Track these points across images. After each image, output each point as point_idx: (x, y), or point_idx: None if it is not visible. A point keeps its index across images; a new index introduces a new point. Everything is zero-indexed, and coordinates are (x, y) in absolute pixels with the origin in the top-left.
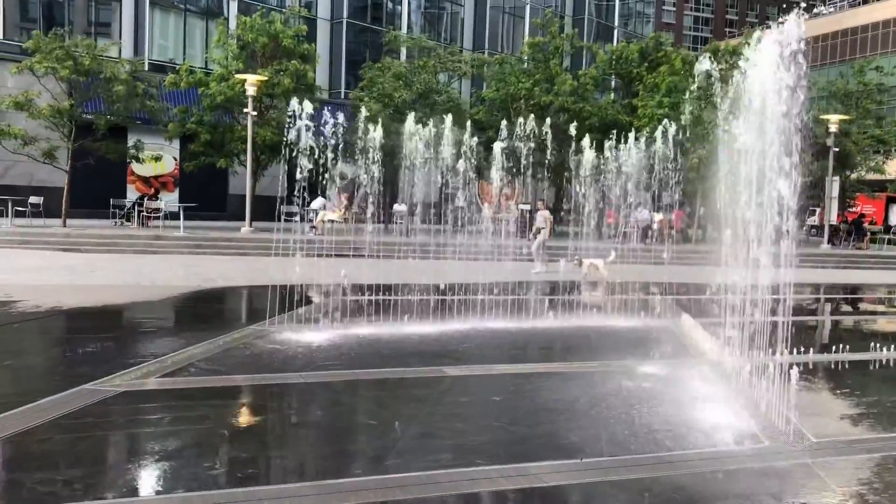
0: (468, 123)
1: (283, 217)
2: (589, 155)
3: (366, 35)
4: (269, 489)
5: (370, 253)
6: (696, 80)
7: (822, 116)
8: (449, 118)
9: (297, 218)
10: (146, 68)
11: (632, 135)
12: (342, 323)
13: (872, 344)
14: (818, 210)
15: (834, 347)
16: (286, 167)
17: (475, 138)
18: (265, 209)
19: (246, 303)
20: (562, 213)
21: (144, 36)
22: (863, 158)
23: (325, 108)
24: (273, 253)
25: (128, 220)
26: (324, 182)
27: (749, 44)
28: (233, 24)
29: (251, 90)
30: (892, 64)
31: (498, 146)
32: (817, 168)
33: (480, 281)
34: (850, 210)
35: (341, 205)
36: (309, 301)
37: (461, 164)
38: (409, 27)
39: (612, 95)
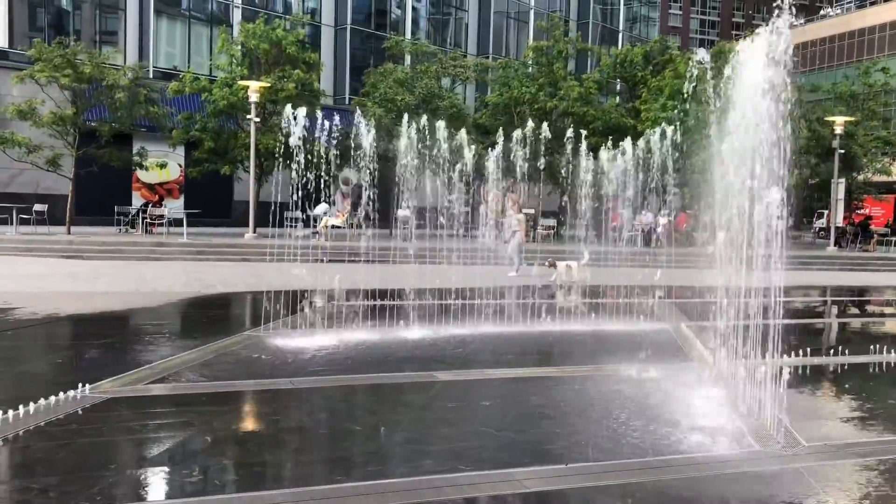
0: (471, 128)
1: (286, 223)
2: (591, 158)
3: (370, 41)
4: (243, 496)
5: (371, 258)
6: (690, 78)
7: (827, 118)
8: (442, 123)
9: (300, 223)
10: (151, 76)
11: (638, 137)
12: (337, 328)
13: (872, 346)
14: (826, 213)
15: (833, 350)
16: (290, 173)
17: (470, 147)
18: (270, 215)
19: (243, 309)
20: (561, 218)
21: (149, 44)
22: (869, 160)
23: (333, 114)
24: (269, 258)
25: (132, 227)
26: (327, 187)
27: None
28: (237, 31)
29: (254, 96)
30: None
31: (492, 154)
32: (823, 170)
33: (478, 285)
34: (858, 212)
35: (345, 210)
36: (305, 306)
37: (460, 170)
38: (413, 33)
39: (618, 99)
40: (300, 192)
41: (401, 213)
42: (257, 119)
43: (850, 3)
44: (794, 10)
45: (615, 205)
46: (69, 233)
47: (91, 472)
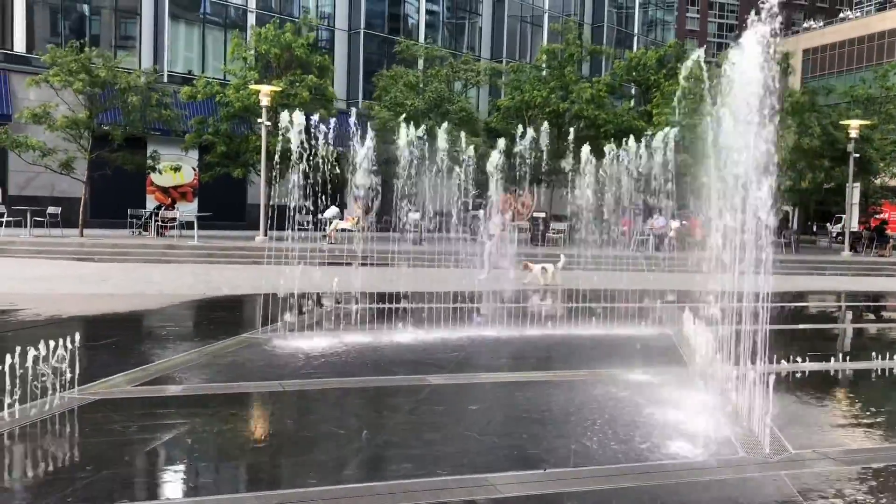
0: (481, 132)
1: (296, 226)
2: (599, 160)
3: (383, 45)
4: (209, 499)
5: (379, 261)
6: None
7: (842, 122)
8: (445, 126)
9: (311, 227)
10: (165, 80)
11: (638, 140)
12: (335, 331)
13: (874, 353)
14: (844, 217)
15: (833, 356)
16: (299, 177)
17: (472, 150)
18: (281, 218)
19: (244, 311)
20: (572, 221)
21: (164, 48)
22: (886, 164)
23: (348, 117)
24: (268, 261)
25: (145, 230)
26: (336, 191)
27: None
28: (250, 35)
29: (265, 100)
30: None
31: (495, 155)
32: (838, 174)
33: (477, 288)
34: (876, 216)
35: (355, 213)
36: (307, 309)
37: (460, 173)
38: (426, 37)
39: (632, 102)
40: (309, 196)
41: (411, 216)
42: (268, 123)
43: (870, 6)
44: (808, 13)
45: (627, 210)
46: (82, 235)
47: (69, 473)
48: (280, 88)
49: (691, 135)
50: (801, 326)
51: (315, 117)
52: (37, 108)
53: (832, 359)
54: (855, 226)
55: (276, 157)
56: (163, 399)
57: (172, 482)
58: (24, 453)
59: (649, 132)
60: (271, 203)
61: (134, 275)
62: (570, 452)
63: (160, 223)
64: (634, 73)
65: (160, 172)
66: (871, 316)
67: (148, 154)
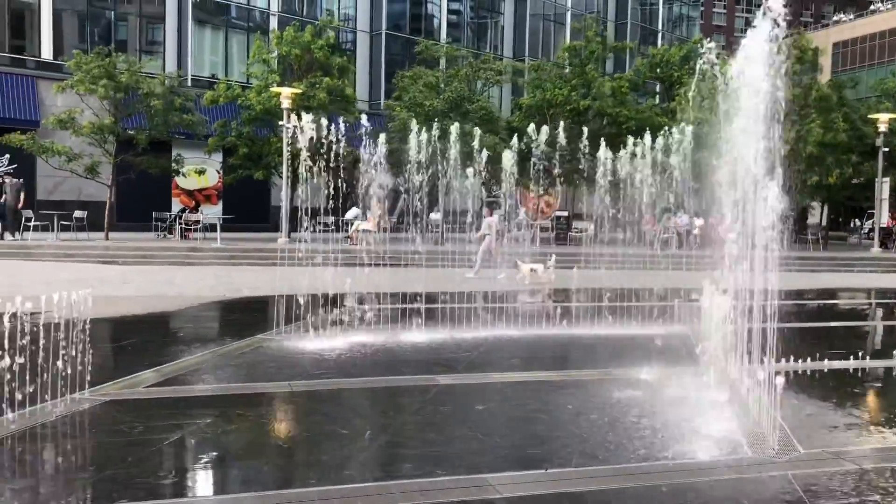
0: (502, 131)
1: (318, 228)
2: (618, 157)
3: (406, 46)
4: (210, 499)
5: (400, 262)
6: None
7: (871, 116)
8: (455, 127)
9: (333, 228)
10: (189, 84)
11: (654, 137)
12: (347, 332)
13: (894, 352)
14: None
15: (851, 354)
16: (321, 179)
17: (485, 151)
18: (302, 220)
19: (261, 312)
20: (594, 220)
21: (188, 52)
22: None
23: (367, 119)
24: (289, 263)
25: (169, 233)
26: (357, 193)
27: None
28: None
29: (286, 103)
30: None
31: (508, 155)
32: (867, 169)
33: (492, 288)
34: None
35: (376, 214)
36: (322, 310)
37: (478, 172)
38: (448, 37)
39: (657, 99)
40: (330, 198)
41: (433, 216)
42: (290, 125)
43: None
44: (838, 6)
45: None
46: (107, 238)
47: (72, 474)
48: (300, 91)
49: (706, 132)
50: (823, 324)
51: (324, 120)
52: (62, 113)
53: (853, 357)
54: (885, 221)
55: (289, 158)
56: (172, 400)
57: (173, 483)
58: (28, 455)
59: (671, 129)
60: (293, 205)
61: (156, 277)
62: (573, 452)
63: (184, 226)
64: (658, 70)
65: (184, 176)
66: None
67: (172, 158)
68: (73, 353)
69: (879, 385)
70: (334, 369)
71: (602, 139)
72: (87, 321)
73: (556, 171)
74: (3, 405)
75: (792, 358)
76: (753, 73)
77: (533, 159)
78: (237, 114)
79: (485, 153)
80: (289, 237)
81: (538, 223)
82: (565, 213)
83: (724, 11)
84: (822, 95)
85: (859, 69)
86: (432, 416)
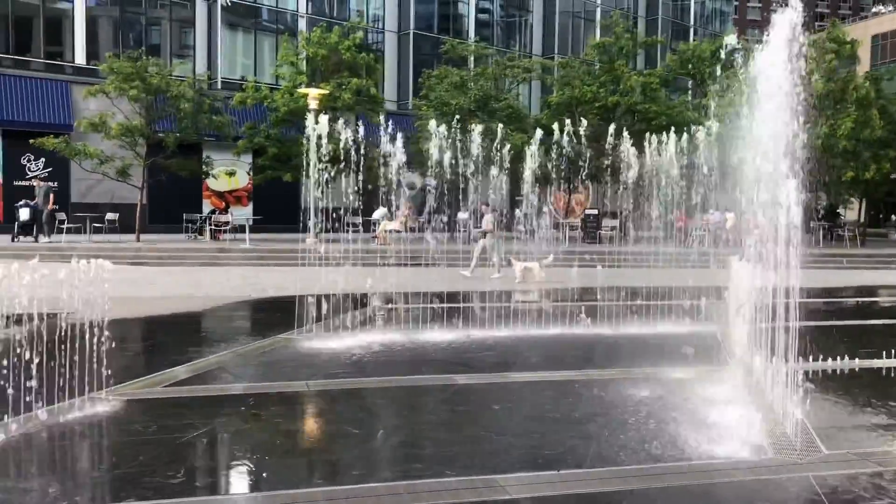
0: (529, 129)
1: (346, 228)
2: (647, 153)
3: (434, 46)
4: (212, 500)
5: (427, 262)
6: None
7: None
8: (478, 127)
9: (360, 228)
10: (219, 87)
11: (680, 133)
12: (369, 331)
13: None
14: None
15: (884, 353)
16: (349, 179)
17: (506, 148)
18: (333, 220)
19: (284, 312)
20: (625, 218)
21: (217, 55)
22: None
23: (392, 120)
24: (316, 263)
25: (200, 234)
26: (385, 193)
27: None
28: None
29: (313, 104)
30: None
31: (528, 151)
32: None
33: (532, 287)
34: None
35: (404, 214)
36: (343, 309)
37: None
38: (476, 36)
39: (689, 95)
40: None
41: (461, 215)
42: (313, 126)
43: None
44: None
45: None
46: (138, 240)
47: (82, 473)
48: (327, 91)
49: (732, 127)
50: (855, 322)
51: (340, 122)
52: (94, 117)
53: (886, 355)
54: None
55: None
56: (189, 400)
57: (180, 483)
58: (42, 455)
59: (700, 125)
60: (321, 206)
61: (183, 278)
62: (588, 453)
63: (213, 227)
64: (689, 66)
65: (214, 177)
66: None
67: (202, 160)
68: (95, 352)
69: None
70: (352, 369)
71: (628, 135)
72: (104, 321)
73: (583, 168)
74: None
75: (821, 357)
76: (775, 69)
77: (555, 156)
78: (265, 115)
79: (507, 149)
80: (317, 237)
81: (568, 222)
82: (595, 212)
83: (760, 5)
84: (859, 88)
85: None
86: (447, 416)
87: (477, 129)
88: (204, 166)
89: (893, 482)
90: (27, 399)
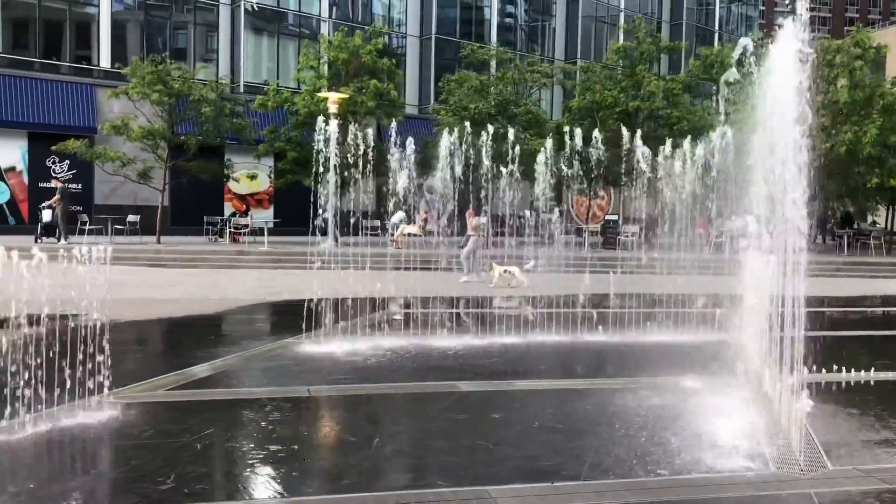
0: (548, 133)
1: (364, 231)
2: (669, 158)
3: (456, 50)
4: None
5: (444, 266)
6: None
7: None
8: (490, 131)
9: (379, 231)
10: (242, 90)
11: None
12: (377, 336)
13: None
14: None
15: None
16: (368, 183)
17: (517, 150)
18: (353, 224)
19: (296, 315)
20: (644, 224)
21: (240, 59)
22: None
23: (413, 123)
24: (333, 266)
25: (220, 237)
26: (403, 197)
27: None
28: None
29: (333, 108)
30: None
31: (541, 157)
32: None
33: (550, 293)
34: None
35: (422, 218)
36: (353, 313)
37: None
38: (498, 40)
39: (713, 101)
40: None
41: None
42: (324, 129)
43: None
44: None
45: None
46: (159, 242)
47: (72, 477)
48: (347, 95)
49: (745, 132)
50: (871, 332)
51: (352, 127)
52: (116, 119)
53: None
54: None
55: (325, 162)
56: (188, 403)
57: (171, 488)
58: (41, 458)
59: (717, 130)
60: (339, 209)
61: (201, 280)
62: (585, 464)
63: (233, 230)
64: (713, 71)
65: (236, 180)
66: None
67: (223, 163)
68: (100, 356)
69: None
70: (356, 374)
71: (648, 140)
72: (126, 323)
73: (598, 173)
74: (16, 408)
75: (834, 368)
76: (784, 75)
77: (569, 161)
78: (287, 119)
79: (518, 154)
80: (336, 241)
81: (588, 227)
82: (615, 217)
83: (787, 10)
84: (886, 95)
85: None
86: (446, 425)
87: (489, 133)
88: (225, 169)
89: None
90: (22, 403)
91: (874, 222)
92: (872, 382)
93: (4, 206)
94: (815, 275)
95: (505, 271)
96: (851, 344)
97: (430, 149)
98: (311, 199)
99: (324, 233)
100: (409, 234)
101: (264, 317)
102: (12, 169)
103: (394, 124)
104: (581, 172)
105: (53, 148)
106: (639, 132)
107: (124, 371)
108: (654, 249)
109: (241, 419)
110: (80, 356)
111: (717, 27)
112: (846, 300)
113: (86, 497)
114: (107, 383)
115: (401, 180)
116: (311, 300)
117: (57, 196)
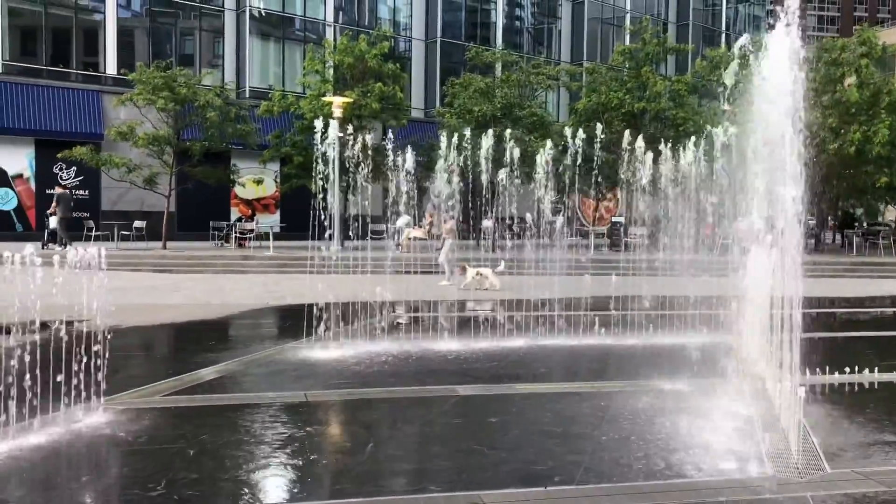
0: (553, 136)
1: (370, 235)
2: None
3: (462, 53)
4: None
5: (435, 269)
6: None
7: None
8: (491, 132)
9: (384, 235)
10: (247, 95)
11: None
12: (378, 340)
13: None
14: None
15: None
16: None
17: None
18: (359, 228)
19: (297, 320)
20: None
21: (245, 64)
22: None
23: (417, 127)
24: (338, 271)
25: (226, 242)
26: (410, 200)
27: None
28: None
29: (338, 112)
30: None
31: (542, 157)
32: None
33: (552, 296)
34: None
35: (427, 222)
36: (354, 317)
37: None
38: (504, 43)
39: (720, 101)
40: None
41: (485, 223)
42: (341, 134)
43: None
44: None
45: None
46: (165, 248)
47: (65, 483)
48: (351, 99)
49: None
50: (876, 333)
51: (350, 127)
52: (122, 125)
53: None
54: None
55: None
56: (184, 409)
57: (161, 494)
58: (33, 465)
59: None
60: (347, 213)
61: (205, 285)
62: (580, 469)
63: (238, 235)
64: (719, 72)
65: (242, 185)
66: None
67: (229, 168)
68: (96, 361)
69: None
70: (355, 379)
71: (653, 141)
72: (128, 329)
73: (599, 174)
74: (9, 415)
75: (836, 369)
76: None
77: (570, 162)
78: (292, 123)
79: (518, 155)
80: (341, 245)
81: (594, 229)
82: (622, 219)
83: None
84: (892, 93)
85: None
86: (442, 429)
87: (492, 135)
88: (231, 174)
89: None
90: (16, 409)
91: (876, 223)
92: (875, 384)
93: (12, 213)
94: (823, 275)
95: (478, 273)
96: (853, 345)
97: (434, 152)
98: (315, 202)
99: (327, 237)
100: (414, 238)
101: (266, 321)
102: (20, 176)
103: (389, 133)
104: (583, 174)
105: (59, 155)
106: (628, 133)
107: (121, 377)
108: (658, 251)
109: (236, 425)
110: (76, 362)
111: (723, 28)
112: (852, 301)
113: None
114: (102, 389)
115: (404, 184)
116: (314, 305)
117: (55, 202)
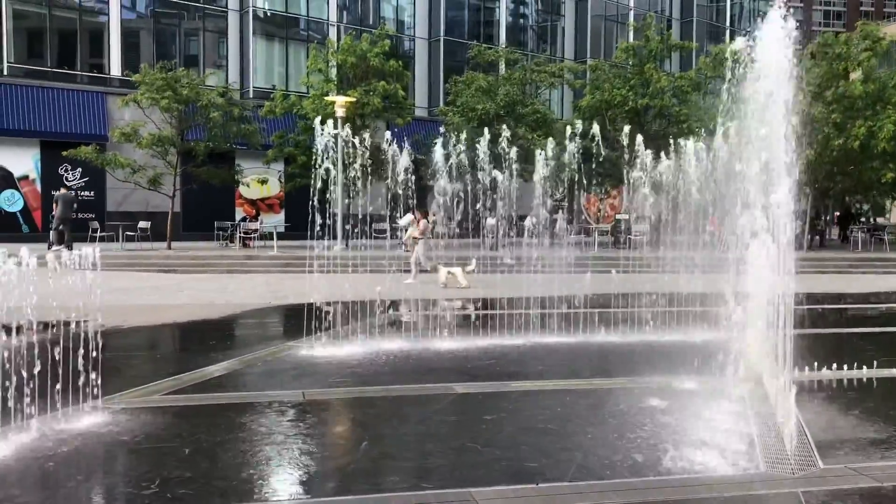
0: (556, 133)
1: (373, 234)
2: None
3: (465, 52)
4: None
5: (432, 269)
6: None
7: None
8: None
9: (388, 235)
10: (251, 95)
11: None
12: (377, 339)
13: None
14: None
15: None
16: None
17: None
18: (363, 227)
19: (299, 320)
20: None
21: (249, 65)
22: None
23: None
24: (341, 270)
25: (231, 242)
26: (414, 199)
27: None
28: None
29: (340, 111)
30: None
31: (540, 158)
32: None
33: (551, 294)
34: None
35: (431, 221)
36: (355, 316)
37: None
38: (507, 41)
39: (725, 92)
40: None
41: (488, 221)
42: (344, 133)
43: None
44: None
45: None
46: (169, 248)
47: (61, 483)
48: (354, 98)
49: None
50: (874, 329)
51: (353, 130)
52: (126, 127)
53: None
54: None
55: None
56: (182, 409)
57: (154, 493)
58: (29, 466)
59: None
60: (349, 213)
61: (208, 285)
62: (573, 466)
63: (242, 234)
64: (723, 69)
65: (247, 185)
66: None
67: (233, 168)
68: (105, 360)
69: None
70: (353, 377)
71: (657, 138)
72: (131, 329)
73: (600, 171)
74: (7, 414)
75: (834, 365)
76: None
77: (571, 159)
78: (295, 123)
79: (515, 152)
80: (345, 245)
81: (598, 227)
82: (626, 216)
83: (801, 5)
84: None
85: None
86: (437, 427)
87: (494, 134)
88: (235, 174)
89: (886, 499)
90: (15, 408)
91: (876, 226)
92: (875, 379)
93: (18, 215)
94: (827, 271)
95: (449, 273)
96: (851, 340)
97: (436, 150)
98: (316, 202)
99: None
100: (414, 238)
101: (268, 321)
102: (25, 177)
103: (388, 133)
104: (585, 170)
105: (64, 153)
106: (628, 129)
107: (121, 376)
108: (661, 248)
109: (233, 424)
110: (75, 362)
111: (728, 24)
112: (854, 297)
113: (68, 503)
114: (101, 389)
115: (408, 183)
116: (307, 305)
117: (54, 203)
